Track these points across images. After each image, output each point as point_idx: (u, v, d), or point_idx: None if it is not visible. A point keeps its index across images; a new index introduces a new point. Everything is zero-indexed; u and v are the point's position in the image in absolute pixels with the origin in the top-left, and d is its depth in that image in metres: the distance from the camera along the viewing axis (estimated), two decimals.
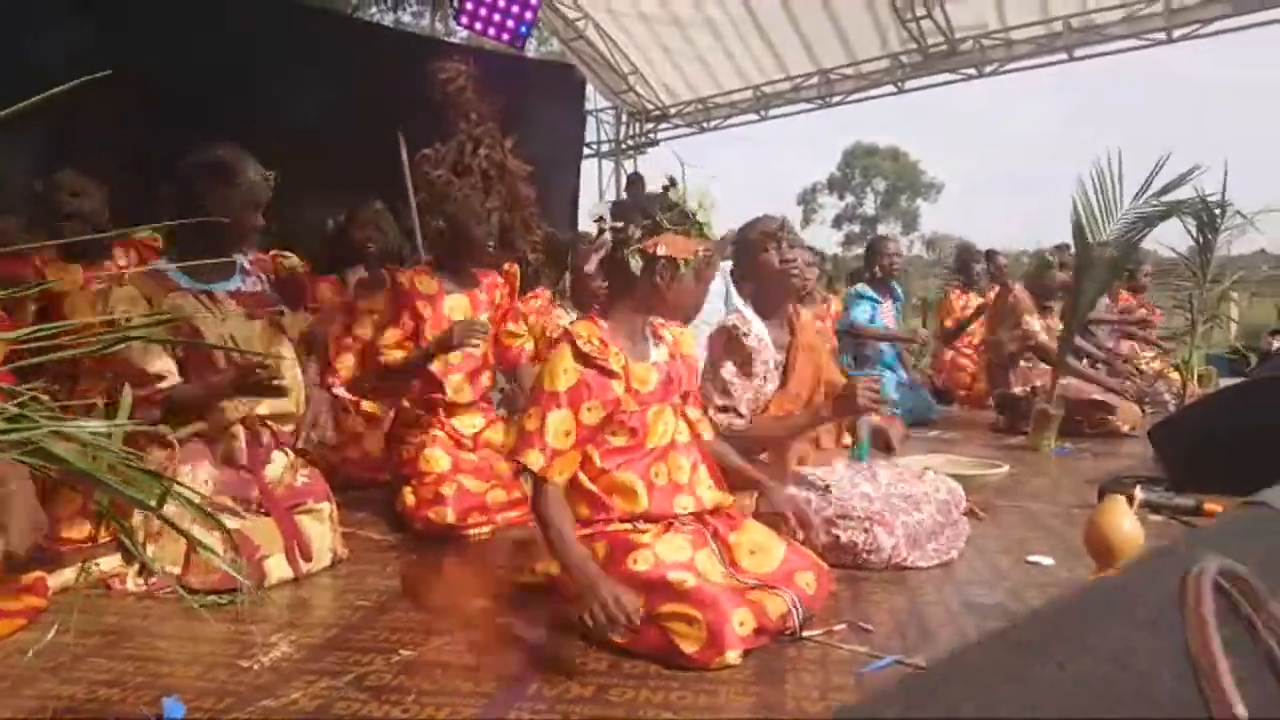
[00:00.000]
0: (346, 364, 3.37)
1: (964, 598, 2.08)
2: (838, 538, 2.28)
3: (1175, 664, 0.47)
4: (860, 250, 6.77)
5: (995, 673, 0.53)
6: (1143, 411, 4.72)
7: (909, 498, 2.41)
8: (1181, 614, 0.49)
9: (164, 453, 2.24)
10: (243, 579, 1.80)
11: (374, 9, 17.71)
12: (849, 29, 8.19)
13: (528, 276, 5.17)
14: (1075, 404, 4.39)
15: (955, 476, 2.74)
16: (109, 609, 2.03)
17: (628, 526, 1.85)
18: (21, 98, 0.82)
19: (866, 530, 2.26)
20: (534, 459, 1.76)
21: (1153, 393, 5.24)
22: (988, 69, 8.08)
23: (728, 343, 2.51)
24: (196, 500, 1.03)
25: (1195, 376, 4.99)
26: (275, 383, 2.22)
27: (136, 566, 2.14)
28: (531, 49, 10.71)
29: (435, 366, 2.95)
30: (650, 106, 9.93)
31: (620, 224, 1.87)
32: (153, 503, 0.81)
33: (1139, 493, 2.64)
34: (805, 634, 1.78)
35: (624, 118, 10.25)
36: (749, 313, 2.58)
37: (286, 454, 2.46)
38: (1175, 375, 5.36)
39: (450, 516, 2.65)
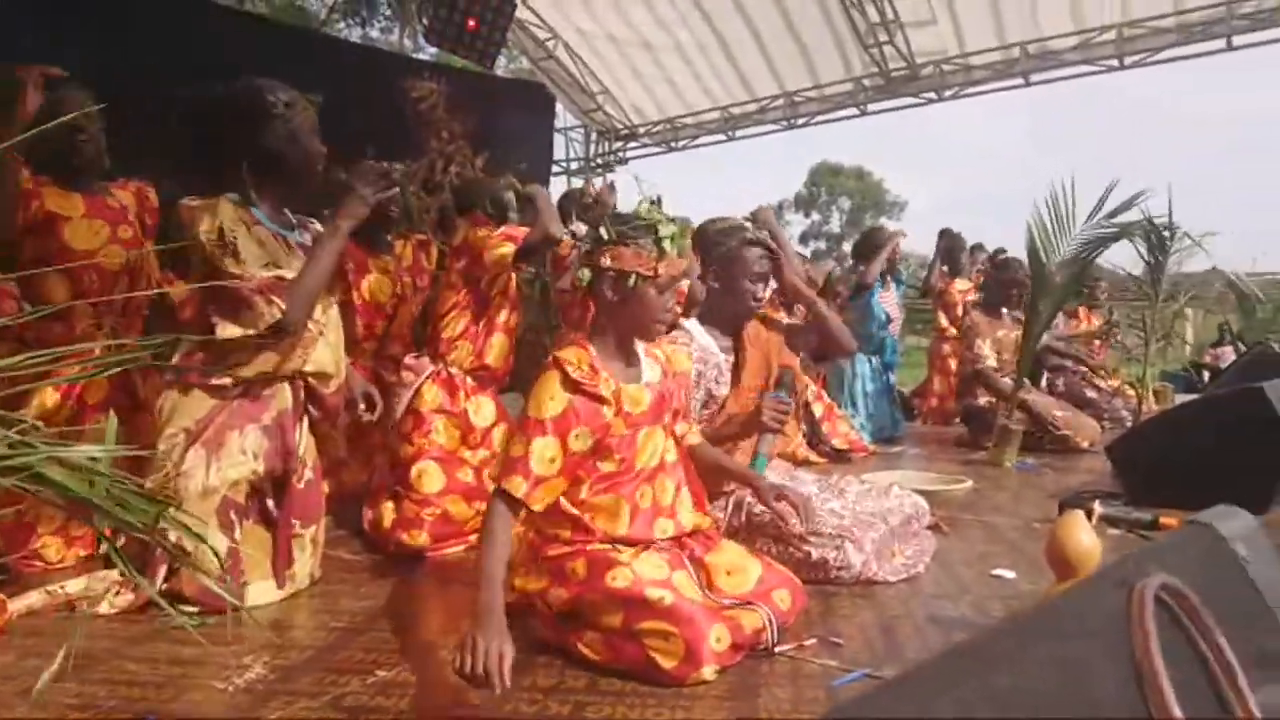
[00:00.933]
0: None
1: (930, 611, 2.14)
2: (809, 554, 2.32)
3: (1120, 670, 0.51)
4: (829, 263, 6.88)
5: (945, 682, 0.58)
6: (1101, 427, 4.86)
7: (876, 513, 2.46)
8: (1127, 625, 0.53)
9: (213, 403, 2.17)
10: (232, 599, 1.77)
11: (341, 24, 17.65)
12: (814, 53, 8.40)
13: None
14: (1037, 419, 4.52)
15: (921, 492, 2.82)
16: (79, 632, 2.00)
17: (607, 546, 1.87)
18: None
19: (838, 547, 2.31)
20: (517, 485, 1.75)
21: (1111, 409, 5.40)
22: (947, 93, 8.31)
23: None
24: (191, 522, 1.04)
25: (1151, 393, 5.15)
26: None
27: (111, 589, 2.11)
28: (501, 67, 10.75)
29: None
30: (619, 126, 10.02)
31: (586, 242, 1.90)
32: (147, 524, 0.82)
33: (1098, 507, 2.75)
34: (778, 649, 1.82)
35: (593, 136, 10.33)
36: (692, 326, 2.63)
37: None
38: (1131, 392, 5.53)
39: (424, 539, 2.66)
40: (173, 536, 1.59)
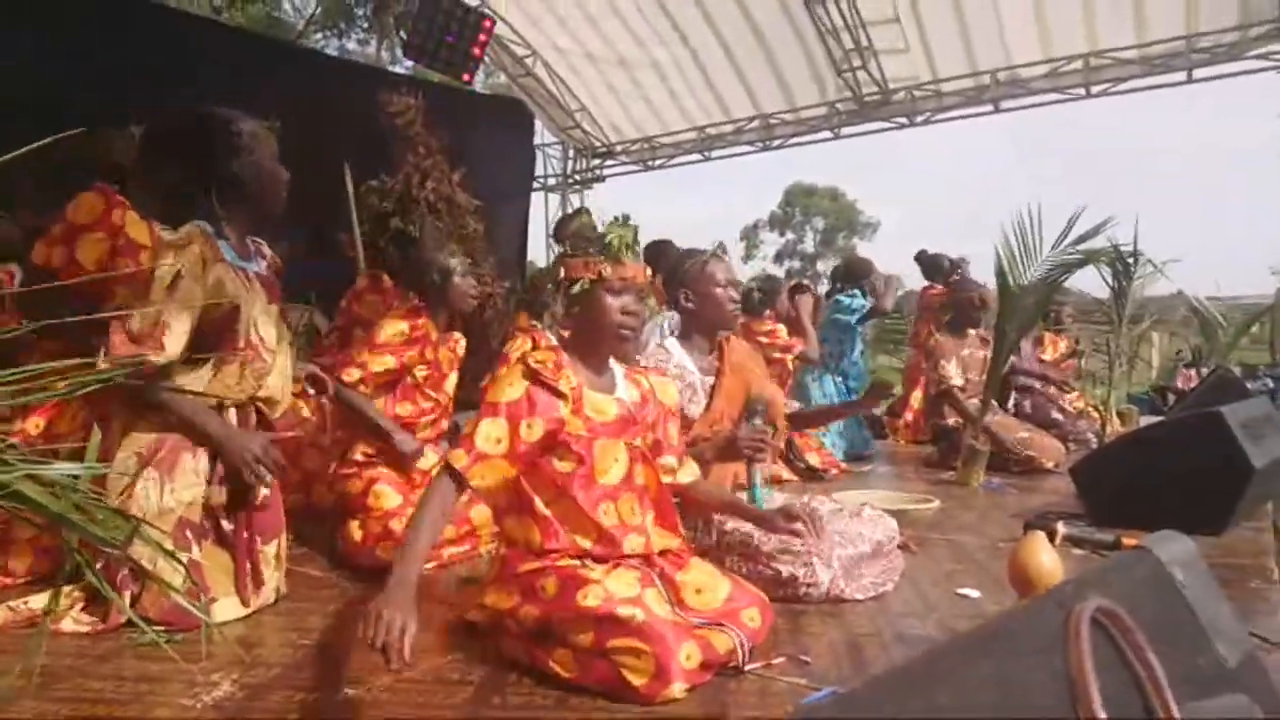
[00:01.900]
0: None
1: (897, 629, 2.17)
2: (778, 572, 2.35)
3: (1055, 685, 0.55)
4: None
5: (890, 700, 0.60)
6: (1066, 449, 4.94)
7: (844, 533, 2.49)
8: (1064, 644, 0.57)
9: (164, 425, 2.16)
10: (203, 616, 1.75)
11: (319, 36, 17.61)
12: (789, 78, 8.55)
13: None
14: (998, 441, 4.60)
15: (889, 511, 2.85)
16: (39, 647, 1.97)
17: (576, 563, 1.89)
18: None
19: (806, 564, 2.34)
20: (459, 458, 1.83)
21: (1076, 431, 5.49)
22: (919, 118, 8.47)
23: None
24: (159, 538, 1.04)
25: (1115, 415, 5.26)
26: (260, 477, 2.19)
27: (76, 605, 2.09)
28: (480, 83, 10.79)
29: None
30: (597, 143, 10.09)
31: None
32: (119, 540, 0.83)
33: (1061, 528, 2.81)
34: (747, 667, 1.83)
35: (571, 153, 10.39)
36: (671, 344, 2.66)
37: None
38: (1095, 414, 5.64)
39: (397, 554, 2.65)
40: (138, 555, 1.59)
